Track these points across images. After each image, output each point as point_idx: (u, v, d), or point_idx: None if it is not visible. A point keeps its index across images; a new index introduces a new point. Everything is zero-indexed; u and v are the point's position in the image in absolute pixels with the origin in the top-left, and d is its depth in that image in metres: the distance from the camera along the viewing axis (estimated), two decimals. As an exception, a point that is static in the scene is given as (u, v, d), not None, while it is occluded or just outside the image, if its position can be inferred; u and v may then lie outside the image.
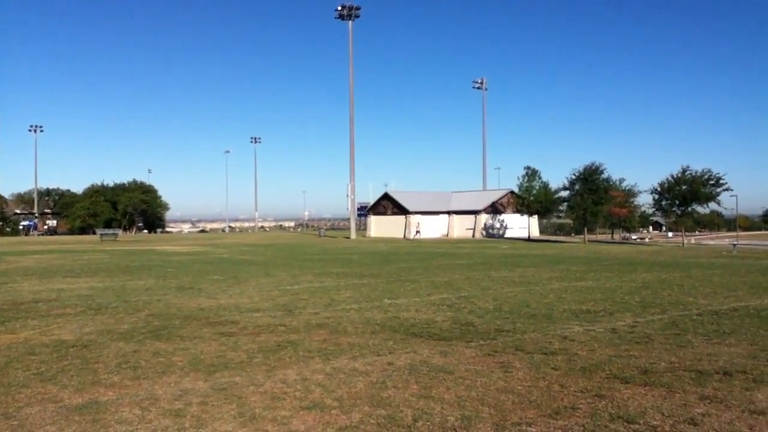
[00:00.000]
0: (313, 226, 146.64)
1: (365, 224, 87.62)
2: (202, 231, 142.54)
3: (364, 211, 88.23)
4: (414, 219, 78.59)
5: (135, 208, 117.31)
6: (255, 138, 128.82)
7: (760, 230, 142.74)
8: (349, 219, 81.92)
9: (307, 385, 7.12)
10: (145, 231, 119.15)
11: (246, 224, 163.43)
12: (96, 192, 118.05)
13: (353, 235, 76.09)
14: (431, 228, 78.85)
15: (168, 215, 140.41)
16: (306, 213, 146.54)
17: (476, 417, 5.99)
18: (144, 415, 6.10)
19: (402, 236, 76.53)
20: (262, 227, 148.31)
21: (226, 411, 6.22)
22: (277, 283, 19.18)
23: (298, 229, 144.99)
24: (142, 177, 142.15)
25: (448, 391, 6.86)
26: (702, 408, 6.22)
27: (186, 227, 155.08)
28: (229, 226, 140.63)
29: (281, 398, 6.64)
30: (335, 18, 76.24)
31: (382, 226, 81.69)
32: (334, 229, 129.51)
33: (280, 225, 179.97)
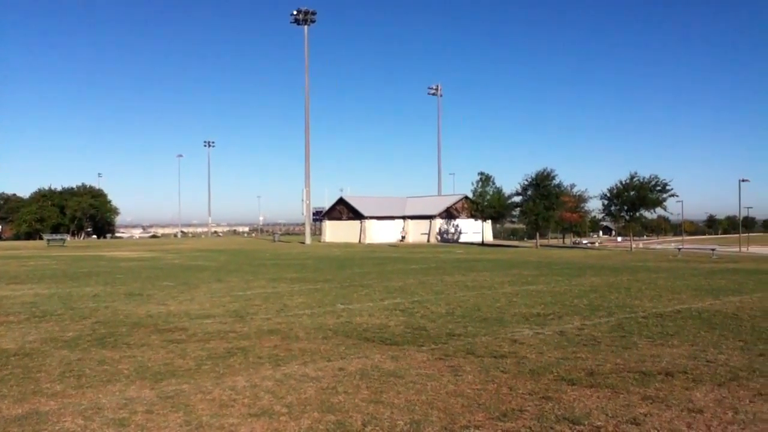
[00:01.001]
0: (267, 231, 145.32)
1: (320, 229, 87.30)
2: (154, 236, 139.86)
3: (320, 216, 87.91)
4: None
5: (84, 213, 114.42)
6: (208, 142, 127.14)
7: (704, 234, 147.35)
8: (304, 224, 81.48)
9: (257, 392, 7.05)
10: (95, 236, 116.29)
11: (199, 229, 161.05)
12: (43, 196, 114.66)
13: (308, 240, 75.72)
14: (386, 233, 79.01)
15: (118, 220, 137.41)
16: (261, 218, 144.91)
17: (425, 421, 6.01)
18: (87, 425, 5.94)
19: (357, 241, 76.47)
20: (215, 232, 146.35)
21: (172, 419, 6.11)
22: (228, 289, 18.95)
23: (253, 234, 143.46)
24: (92, 181, 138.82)
25: (399, 396, 6.87)
26: (644, 408, 6.38)
27: (137, 232, 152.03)
28: (182, 232, 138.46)
29: (229, 405, 6.55)
30: (291, 22, 75.99)
31: (337, 231, 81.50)
32: (289, 234, 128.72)
33: (234, 230, 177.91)
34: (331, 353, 9.19)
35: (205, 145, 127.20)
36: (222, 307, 14.63)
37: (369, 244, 72.26)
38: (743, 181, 76.24)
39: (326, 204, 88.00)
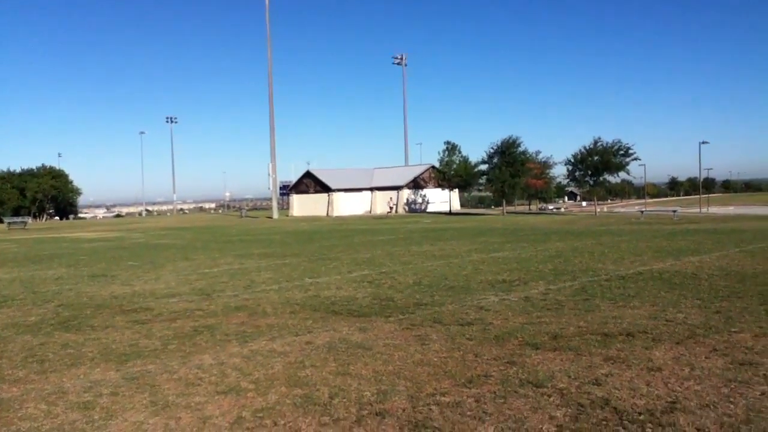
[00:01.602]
0: (234, 207, 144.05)
1: (288, 203, 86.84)
2: (118, 216, 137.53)
3: (287, 190, 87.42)
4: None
5: (45, 195, 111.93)
6: (171, 118, 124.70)
7: (666, 197, 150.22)
8: (271, 199, 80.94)
9: (224, 369, 7.04)
10: (57, 218, 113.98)
11: (164, 207, 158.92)
12: (2, 179, 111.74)
13: (276, 214, 75.32)
14: (354, 205, 78.93)
15: (81, 201, 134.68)
16: (227, 194, 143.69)
17: (392, 390, 6.08)
18: (50, 410, 5.88)
19: (325, 214, 76.28)
20: (181, 210, 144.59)
21: (137, 400, 6.07)
22: (195, 266, 18.79)
23: (219, 211, 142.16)
24: (52, 162, 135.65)
25: (366, 367, 6.93)
26: (606, 369, 6.53)
27: (100, 212, 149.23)
28: (146, 210, 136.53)
29: (196, 384, 6.53)
30: (249, -7, 74.52)
31: (305, 205, 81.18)
32: (256, 209, 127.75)
33: (201, 207, 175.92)
34: (298, 327, 9.21)
35: (167, 122, 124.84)
36: (188, 285, 14.51)
37: (337, 216, 72.15)
38: (703, 143, 77.92)
39: (293, 178, 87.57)
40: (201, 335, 8.92)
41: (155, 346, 8.33)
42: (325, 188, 79.02)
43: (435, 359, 7.17)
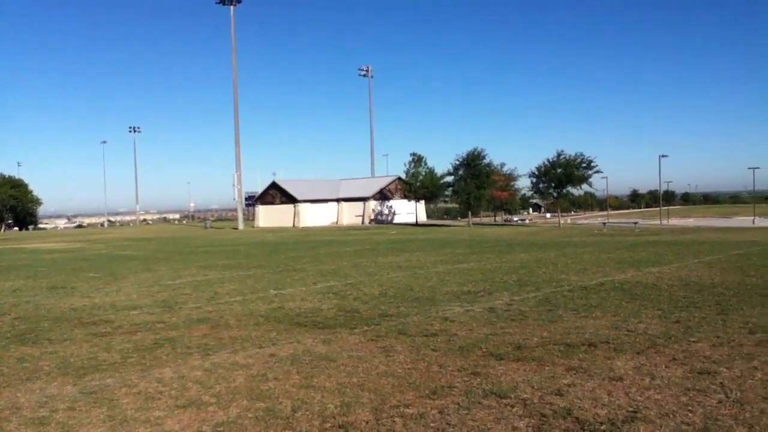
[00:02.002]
0: (199, 218, 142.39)
1: (253, 214, 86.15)
2: (79, 226, 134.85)
3: (252, 201, 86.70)
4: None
5: (4, 205, 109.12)
6: (134, 128, 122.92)
7: (628, 209, 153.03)
8: (236, 209, 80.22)
9: (184, 383, 6.91)
10: (16, 228, 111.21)
11: (127, 218, 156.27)
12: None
13: (241, 225, 74.69)
14: (320, 216, 78.65)
15: (41, 211, 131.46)
16: (191, 204, 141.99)
17: (356, 403, 6.03)
18: (2, 427, 5.69)
19: (291, 225, 75.85)
20: (144, 221, 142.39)
21: (95, 415, 5.92)
22: (157, 278, 18.48)
23: (184, 222, 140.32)
24: (11, 171, 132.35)
25: (330, 379, 6.87)
26: (568, 379, 6.58)
27: (61, 223, 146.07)
28: (109, 221, 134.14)
29: (156, 398, 6.40)
30: (216, 2, 74.17)
31: (270, 216, 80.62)
32: (221, 220, 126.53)
33: (165, 218, 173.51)
34: (262, 340, 9.10)
35: (130, 131, 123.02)
36: (150, 297, 14.26)
37: (303, 227, 71.82)
38: (663, 156, 79.59)
39: (259, 188, 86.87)
40: (162, 348, 8.75)
41: (114, 360, 8.15)
42: (291, 199, 78.63)
43: (399, 371, 7.15)
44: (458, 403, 5.91)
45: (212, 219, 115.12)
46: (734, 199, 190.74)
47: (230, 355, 8.20)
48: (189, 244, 40.16)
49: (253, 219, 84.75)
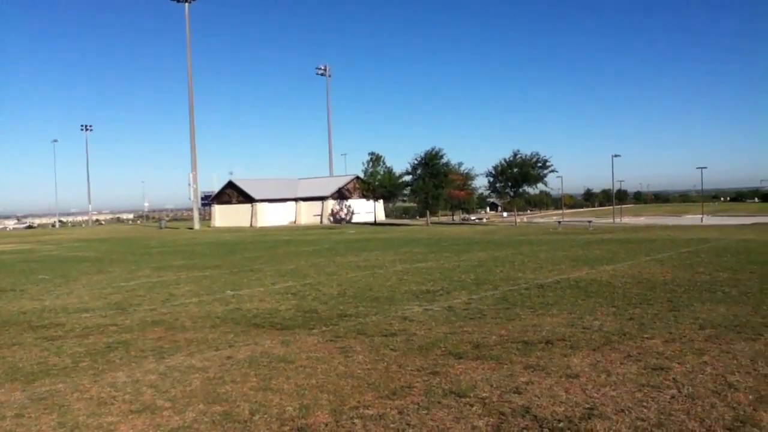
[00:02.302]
0: (153, 218, 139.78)
1: (210, 214, 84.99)
2: (30, 227, 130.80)
3: (208, 201, 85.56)
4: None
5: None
6: (86, 126, 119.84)
7: (582, 207, 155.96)
8: (192, 209, 79.03)
9: (138, 387, 6.74)
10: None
11: (79, 218, 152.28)
12: None
13: (197, 225, 73.61)
14: (278, 215, 78.06)
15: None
16: (146, 204, 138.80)
17: (315, 405, 5.97)
18: (-55, 437, 5.47)
19: (248, 225, 75.08)
20: (97, 221, 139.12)
21: (45, 422, 5.73)
22: (110, 280, 18.05)
23: (138, 222, 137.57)
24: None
25: (288, 381, 6.79)
26: (526, 377, 6.64)
27: (11, 223, 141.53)
28: (60, 221, 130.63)
29: (109, 403, 6.22)
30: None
31: (227, 216, 79.63)
32: (176, 220, 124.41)
33: (118, 218, 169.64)
34: (218, 342, 8.96)
35: (82, 129, 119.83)
36: (103, 299, 13.92)
37: (261, 227, 71.17)
38: (616, 156, 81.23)
39: (215, 188, 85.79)
40: (115, 351, 8.54)
41: (65, 364, 7.91)
42: (248, 198, 77.83)
43: (359, 371, 7.11)
44: (418, 403, 5.91)
45: (167, 219, 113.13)
46: (683, 198, 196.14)
47: (186, 357, 8.04)
48: (143, 245, 39.39)
49: (210, 219, 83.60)
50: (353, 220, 79.47)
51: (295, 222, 79.51)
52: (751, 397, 5.78)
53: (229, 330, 9.85)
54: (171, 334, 9.62)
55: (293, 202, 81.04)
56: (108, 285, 16.65)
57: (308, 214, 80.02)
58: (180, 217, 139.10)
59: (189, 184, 75.94)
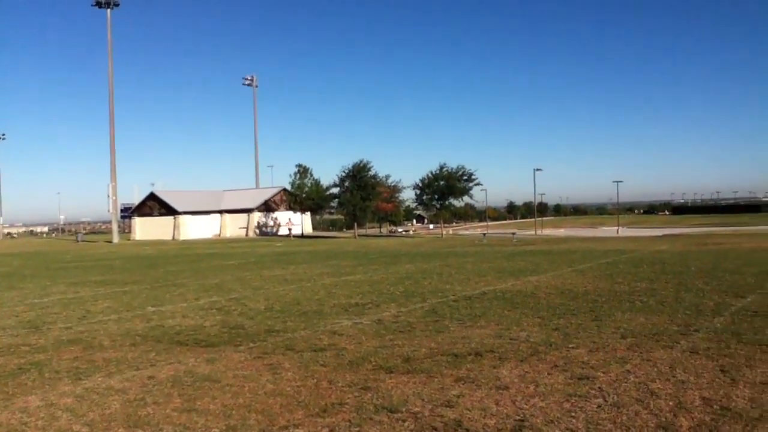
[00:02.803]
0: (70, 231, 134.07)
1: (130, 227, 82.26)
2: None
3: (128, 213, 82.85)
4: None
5: None
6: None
7: (506, 220, 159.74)
8: (111, 222, 76.27)
9: (53, 412, 6.35)
10: None
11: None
12: None
13: (116, 238, 71.05)
14: (202, 228, 76.32)
15: None
16: (61, 216, 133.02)
17: (242, 425, 5.78)
18: None
19: (171, 238, 73.05)
20: (9, 234, 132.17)
21: (-54, 454, 5.30)
22: (22, 296, 17.10)
23: (53, 235, 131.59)
24: None
25: (214, 401, 6.55)
26: (457, 390, 6.64)
27: None
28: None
29: (20, 430, 5.83)
30: (92, 5, 70.54)
31: (148, 229, 77.24)
32: (94, 233, 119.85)
33: (31, 230, 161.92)
34: (139, 361, 8.58)
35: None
36: (14, 317, 13.15)
37: (184, 240, 69.37)
38: (537, 170, 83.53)
39: (136, 199, 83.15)
40: (27, 373, 8.04)
41: (-30, 389, 7.38)
42: (170, 211, 75.77)
43: (288, 389, 6.94)
44: (349, 420, 5.80)
45: (84, 232, 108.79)
46: (600, 210, 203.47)
47: (104, 378, 7.65)
48: (58, 259, 37.65)
49: (130, 232, 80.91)
50: (280, 233, 78.60)
51: (219, 235, 77.92)
52: (671, 403, 5.96)
53: (151, 348, 9.46)
54: (88, 354, 9.15)
55: (218, 215, 79.47)
56: (20, 302, 15.76)
57: (233, 227, 78.62)
58: (98, 230, 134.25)
59: (108, 196, 73.34)
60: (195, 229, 75.44)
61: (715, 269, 18.37)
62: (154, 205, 78.12)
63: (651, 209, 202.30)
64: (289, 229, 71.32)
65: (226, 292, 16.73)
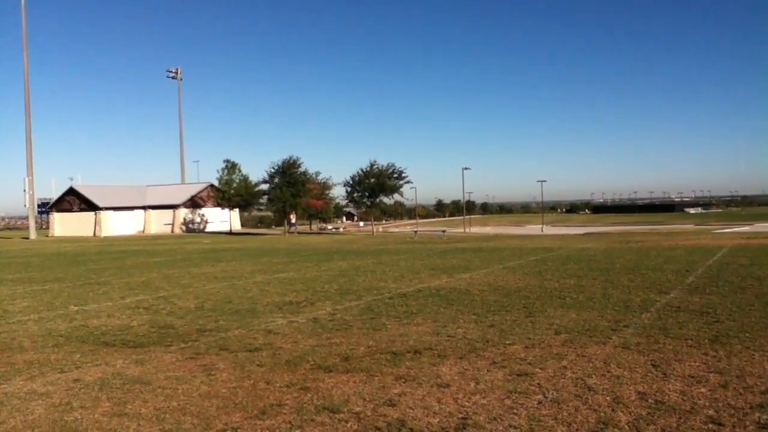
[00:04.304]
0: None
1: (48, 223, 78.74)
2: None
3: (46, 208, 79.32)
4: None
5: None
6: None
7: (435, 218, 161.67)
8: (28, 217, 72.77)
9: (-32, 420, 5.91)
10: None
11: None
12: None
13: (33, 234, 67.86)
14: (125, 224, 73.85)
15: None
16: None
17: (177, 429, 5.53)
18: None
19: (92, 234, 70.36)
20: None
21: None
22: (-70, 296, 16.02)
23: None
24: None
25: (146, 405, 6.25)
26: (398, 388, 6.57)
27: None
28: None
29: (-70, 441, 5.40)
30: (3, -11, 67.02)
31: (68, 224, 74.22)
32: (9, 229, 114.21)
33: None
34: (63, 363, 8.13)
35: None
36: None
37: (106, 237, 66.95)
38: (466, 169, 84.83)
39: (54, 194, 79.73)
40: (-63, 379, 7.48)
41: None
42: (91, 206, 73.01)
43: (223, 390, 6.70)
44: (290, 422, 5.64)
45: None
46: (525, 209, 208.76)
47: (26, 382, 7.20)
48: (-31, 256, 35.59)
49: (48, 228, 77.45)
50: (207, 229, 76.94)
51: (143, 231, 75.62)
52: (609, 398, 6.08)
53: (75, 349, 9.00)
54: (7, 356, 8.61)
55: (142, 211, 77.11)
56: (-74, 302, 14.75)
57: (158, 223, 76.46)
58: (13, 225, 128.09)
59: (24, 190, 69.93)
60: (117, 225, 73.00)
61: (638, 266, 19.04)
62: (73, 200, 75.10)
63: (573, 208, 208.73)
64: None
65: (153, 290, 16.17)
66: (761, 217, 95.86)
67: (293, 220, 70.24)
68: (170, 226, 76.20)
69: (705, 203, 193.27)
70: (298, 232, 74.08)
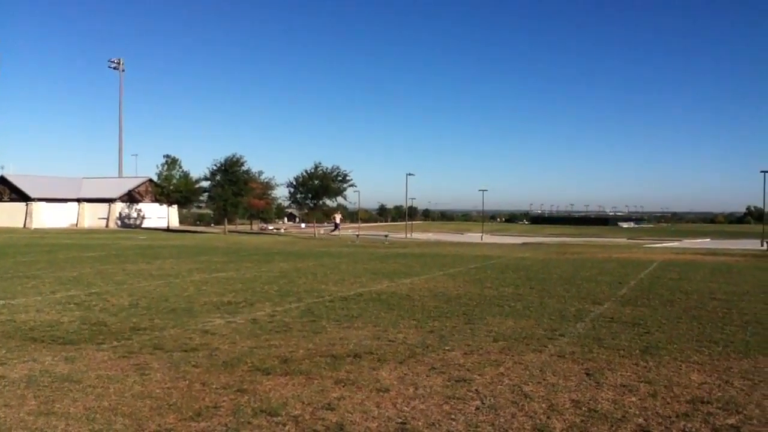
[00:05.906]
0: None
1: (-27, 212, 75.32)
2: None
3: (-28, 197, 75.82)
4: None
5: None
6: None
7: (377, 222, 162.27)
8: (-49, 205, 69.50)
9: None
10: None
11: None
12: None
13: (-43, 224, 64.83)
14: (58, 217, 71.36)
15: None
16: None
17: (108, 430, 5.35)
18: None
19: (22, 226, 67.70)
20: None
21: None
22: None
23: None
24: None
25: (75, 404, 6.03)
26: (337, 392, 6.54)
27: None
28: None
29: None
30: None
31: (-5, 215, 71.13)
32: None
33: None
34: (-13, 359, 7.78)
35: None
36: None
37: (37, 229, 64.51)
38: (409, 175, 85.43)
39: (-19, 183, 76.22)
40: None
41: None
42: (22, 197, 70.27)
43: (157, 391, 6.53)
44: (226, 425, 5.53)
45: None
46: (466, 217, 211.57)
47: (-56, 379, 6.85)
48: None
49: (-27, 217, 74.09)
50: (144, 225, 75.09)
51: (77, 225, 73.24)
52: (544, 405, 6.19)
53: (1, 345, 8.61)
54: (-76, 351, 8.18)
55: (75, 203, 74.68)
56: None
57: (93, 217, 74.22)
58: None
59: (-51, 177, 66.79)
60: (49, 217, 70.48)
61: (574, 277, 19.52)
62: (3, 190, 72.17)
63: (512, 218, 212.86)
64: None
65: (85, 285, 15.66)
66: (690, 233, 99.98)
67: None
68: (105, 220, 74.02)
69: (637, 218, 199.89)
70: (237, 232, 73.10)
